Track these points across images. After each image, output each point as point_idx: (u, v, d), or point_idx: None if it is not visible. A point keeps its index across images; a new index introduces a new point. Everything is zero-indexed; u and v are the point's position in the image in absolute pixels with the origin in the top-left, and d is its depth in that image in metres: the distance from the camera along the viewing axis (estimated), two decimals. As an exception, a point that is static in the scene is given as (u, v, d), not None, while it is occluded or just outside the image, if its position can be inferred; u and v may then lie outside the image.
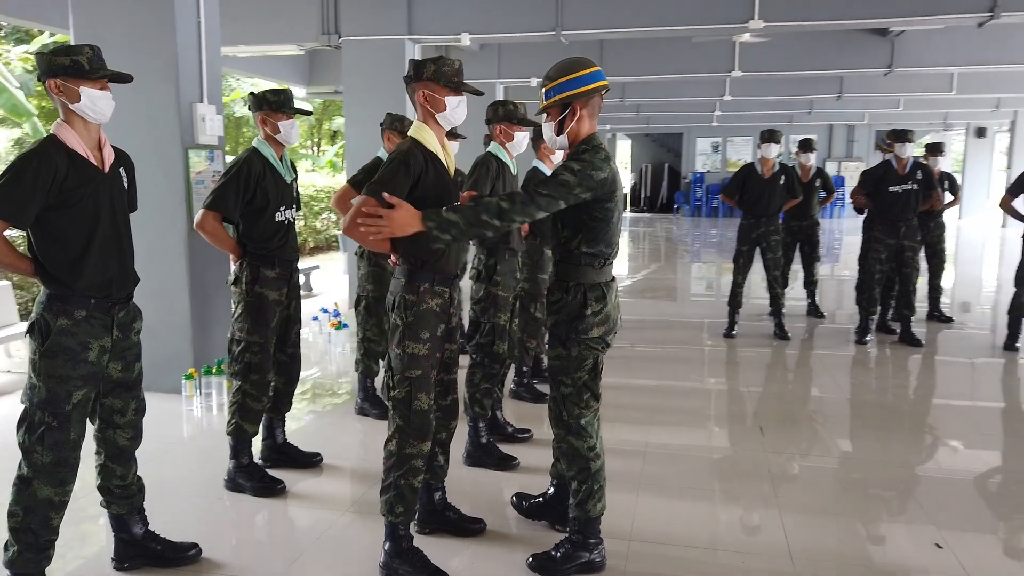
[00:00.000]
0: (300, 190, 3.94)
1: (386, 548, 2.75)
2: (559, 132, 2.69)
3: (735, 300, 6.78)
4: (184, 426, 4.56)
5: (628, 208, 26.46)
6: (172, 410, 4.72)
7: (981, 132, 22.79)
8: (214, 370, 4.79)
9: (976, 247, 15.53)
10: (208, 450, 4.18)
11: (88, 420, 2.59)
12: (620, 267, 12.95)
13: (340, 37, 8.17)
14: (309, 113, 3.66)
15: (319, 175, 17.93)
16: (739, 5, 7.37)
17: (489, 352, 3.77)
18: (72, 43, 2.61)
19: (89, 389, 2.49)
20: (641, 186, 26.87)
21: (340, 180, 19.12)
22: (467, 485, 3.55)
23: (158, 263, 4.88)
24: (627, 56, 10.99)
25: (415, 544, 2.79)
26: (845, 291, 10.06)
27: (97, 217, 2.46)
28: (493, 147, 3.85)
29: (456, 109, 2.69)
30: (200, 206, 3.38)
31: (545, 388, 5.01)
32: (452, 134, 4.42)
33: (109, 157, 2.54)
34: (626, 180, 28.37)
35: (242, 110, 18.70)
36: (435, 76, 2.64)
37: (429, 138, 2.68)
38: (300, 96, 13.59)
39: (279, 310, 3.48)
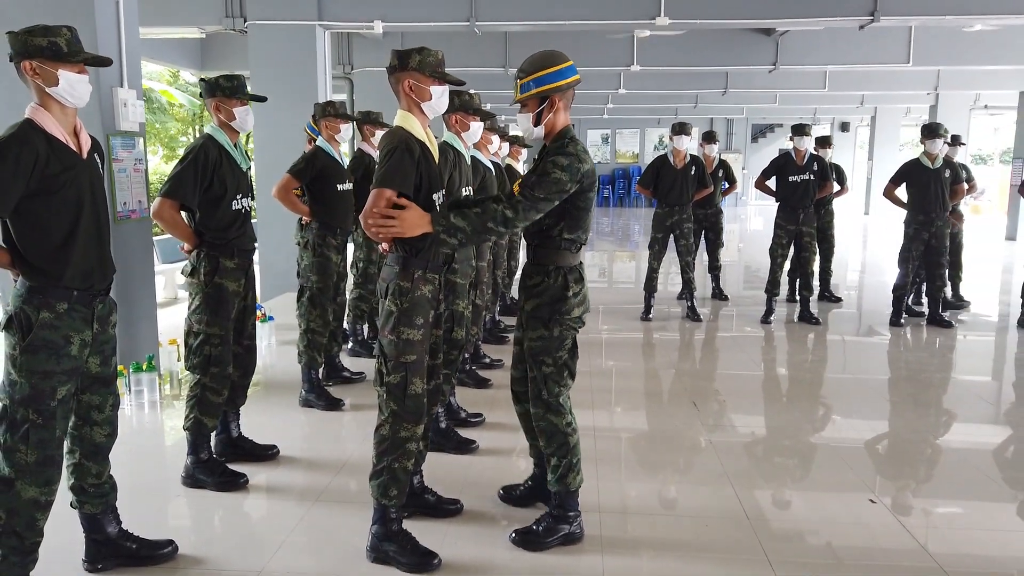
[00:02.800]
0: None
1: (374, 531, 2.78)
2: (536, 124, 2.78)
3: (651, 285, 7.10)
4: (118, 425, 4.34)
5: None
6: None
7: (845, 126, 24.63)
8: (144, 367, 4.59)
9: (844, 233, 16.80)
10: (147, 449, 4.04)
11: (63, 417, 2.47)
12: (519, 256, 13.16)
13: (245, 21, 7.91)
14: (263, 99, 3.58)
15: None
16: (646, 2, 7.70)
17: (448, 339, 3.81)
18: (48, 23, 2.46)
19: (73, 383, 2.38)
20: (533, 176, 27.25)
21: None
22: (434, 469, 3.60)
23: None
24: (531, 47, 11.06)
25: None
26: (740, 275, 10.69)
27: (80, 205, 2.35)
28: (448, 136, 3.89)
29: (440, 99, 2.75)
30: (158, 194, 3.25)
31: (486, 374, 5.11)
32: (346, 116, 4.46)
33: (86, 143, 2.43)
34: (584, 166, 28.64)
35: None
36: (420, 66, 2.69)
37: (416, 127, 2.72)
38: (192, 81, 13.01)
39: (237, 300, 3.40)
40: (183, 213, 3.28)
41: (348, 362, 5.36)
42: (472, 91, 3.89)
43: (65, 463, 2.58)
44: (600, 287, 9.91)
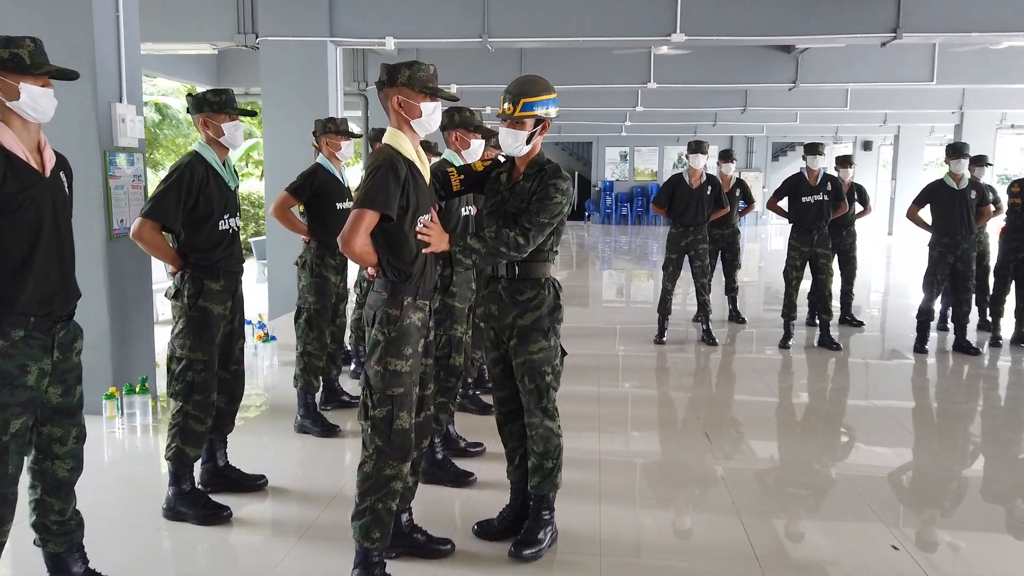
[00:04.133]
0: None
1: (356, 575, 2.61)
2: (528, 143, 2.86)
3: (665, 307, 6.90)
4: (106, 450, 4.22)
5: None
6: (92, 433, 4.29)
7: (867, 145, 24.29)
8: (137, 388, 4.46)
9: (867, 254, 16.47)
10: (136, 476, 3.89)
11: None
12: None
13: (257, 37, 7.86)
14: (253, 114, 3.45)
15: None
16: (661, 18, 7.55)
17: (445, 365, 3.65)
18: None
19: (29, 416, 2.24)
20: (551, 194, 27.12)
21: (253, 184, 18.44)
22: (427, 504, 3.42)
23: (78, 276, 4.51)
24: (546, 65, 11.05)
25: (387, 571, 2.65)
26: (760, 296, 10.45)
27: (39, 226, 2.22)
28: (448, 154, 3.75)
29: (431, 116, 2.62)
30: (138, 213, 3.12)
31: (490, 399, 4.93)
32: (424, 144, 4.30)
33: (50, 161, 2.30)
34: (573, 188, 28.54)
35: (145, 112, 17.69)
36: (410, 81, 2.56)
37: (405, 145, 2.58)
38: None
39: (223, 325, 3.26)
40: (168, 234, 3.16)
41: (349, 385, 5.20)
42: (473, 108, 3.75)
43: (27, 499, 2.43)
44: (616, 307, 9.71)
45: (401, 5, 7.70)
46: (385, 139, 2.60)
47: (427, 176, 2.69)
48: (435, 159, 4.33)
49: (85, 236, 4.47)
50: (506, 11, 7.62)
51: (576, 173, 26.67)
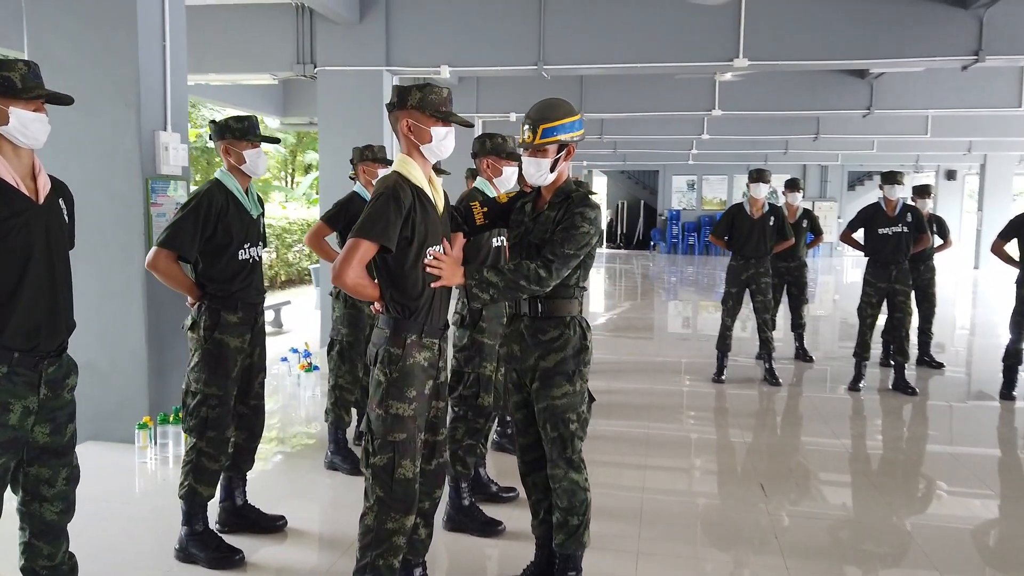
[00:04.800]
0: (273, 222, 3.64)
1: (359, 637, 2.40)
2: (552, 170, 2.67)
3: (724, 343, 6.53)
4: (136, 481, 4.16)
5: (604, 245, 26.41)
6: (123, 463, 4.32)
7: (951, 174, 23.17)
8: (171, 419, 4.40)
9: (950, 288, 15.57)
10: (162, 510, 3.78)
11: (11, 491, 2.22)
12: (596, 304, 12.73)
13: (315, 67, 7.93)
14: (276, 141, 3.35)
15: (292, 207, 17.57)
16: (723, 43, 7.27)
17: (473, 405, 3.45)
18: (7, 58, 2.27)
19: (9, 457, 2.12)
20: (617, 223, 26.88)
21: (315, 213, 18.79)
22: (448, 555, 3.20)
23: (112, 301, 4.51)
24: (607, 92, 10.89)
25: (392, 632, 2.44)
26: (832, 333, 9.90)
27: (28, 255, 2.12)
28: (479, 182, 3.57)
29: (443, 141, 2.45)
30: (155, 242, 3.04)
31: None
32: (436, 169, 4.16)
33: (45, 187, 2.21)
34: (602, 217, 28.31)
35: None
36: (420, 104, 2.40)
37: (414, 171, 2.42)
38: (274, 127, 13.31)
39: (241, 358, 3.13)
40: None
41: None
42: (505, 134, 3.57)
43: (17, 541, 2.32)
44: (676, 341, 9.33)
45: (457, 33, 7.65)
46: (394, 165, 2.44)
47: (440, 204, 2.51)
48: (436, 178, 4.17)
49: (124, 264, 4.50)
50: (562, 38, 7.47)
51: (642, 202, 26.33)
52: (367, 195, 4.26)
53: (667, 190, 24.32)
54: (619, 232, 26.73)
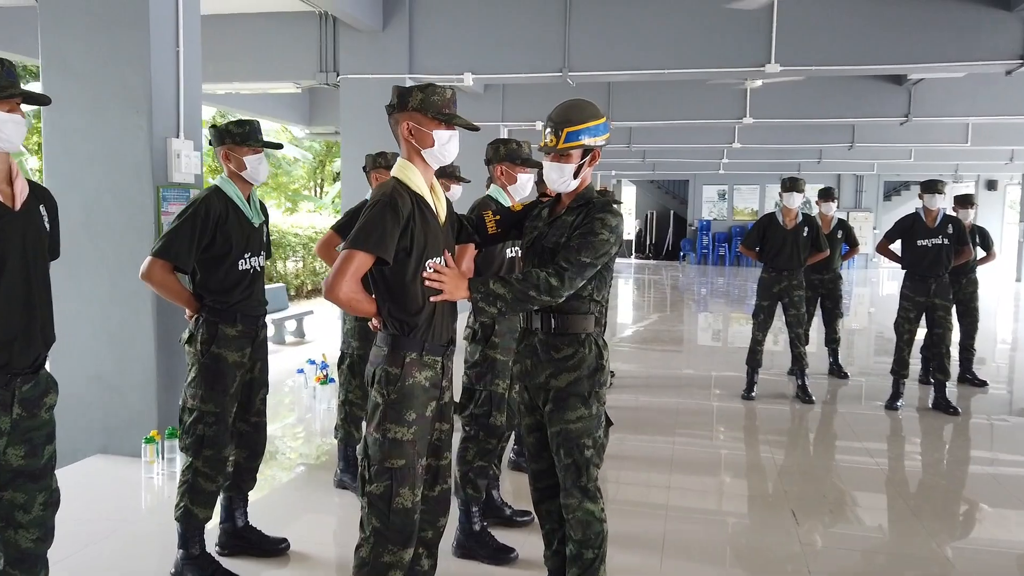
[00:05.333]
0: (300, 231, 3.49)
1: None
2: (576, 176, 2.49)
3: (754, 359, 6.28)
4: (143, 496, 4.05)
5: (633, 255, 26.14)
6: (130, 477, 4.21)
7: (992, 184, 22.53)
8: (179, 433, 4.27)
9: (991, 302, 15.05)
10: (165, 528, 3.62)
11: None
12: (625, 315, 12.48)
13: (338, 75, 7.85)
14: (279, 147, 3.22)
15: (320, 216, 17.58)
16: (755, 48, 7.03)
17: (485, 424, 3.27)
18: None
19: (-23, 482, 1.99)
20: (646, 233, 26.58)
21: (339, 222, 18.78)
22: (456, 584, 3.02)
23: (120, 310, 4.42)
24: (635, 100, 10.70)
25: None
26: (868, 348, 9.57)
27: (2, 264, 2.00)
28: (493, 190, 3.40)
29: (446, 145, 2.28)
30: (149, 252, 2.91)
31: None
32: (454, 176, 4.02)
33: (22, 193, 2.09)
34: (630, 227, 28.09)
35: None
36: (422, 106, 2.24)
37: (415, 177, 2.26)
38: (301, 136, 13.31)
39: (240, 373, 2.99)
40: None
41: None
42: (521, 140, 3.40)
43: (-9, 568, 2.19)
44: (706, 354, 9.05)
45: (480, 41, 7.52)
46: (394, 171, 2.29)
47: (442, 213, 2.35)
48: (456, 186, 4.03)
49: (134, 274, 4.29)
50: (588, 44, 7.30)
51: (672, 212, 25.99)
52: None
53: (697, 200, 23.98)
54: (648, 243, 26.41)
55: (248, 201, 3.04)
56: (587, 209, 2.46)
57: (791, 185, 6.14)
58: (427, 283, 2.24)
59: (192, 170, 4.59)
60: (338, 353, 4.22)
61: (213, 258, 2.90)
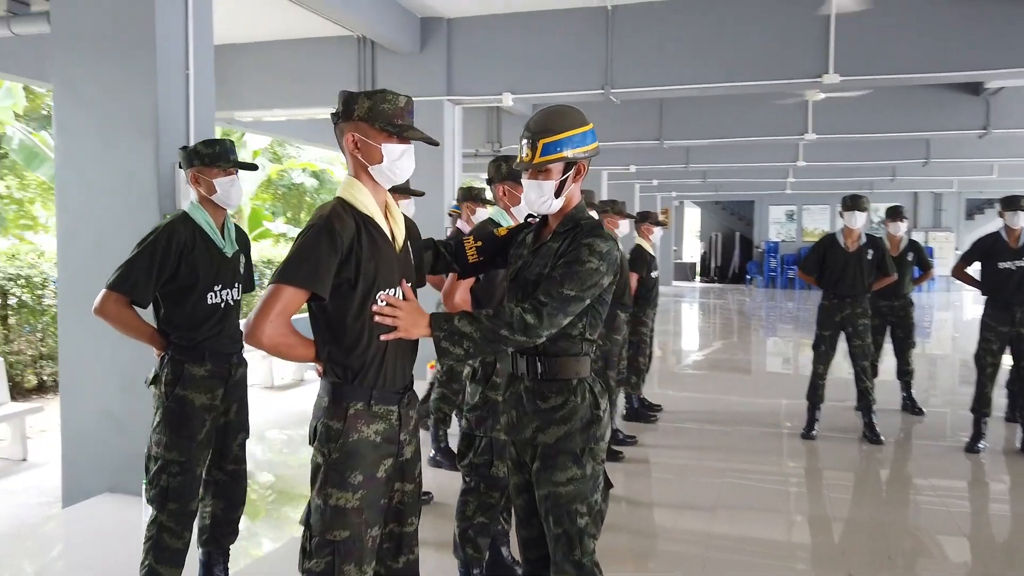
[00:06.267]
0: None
1: None
2: (558, 194, 2.14)
3: (815, 394, 5.73)
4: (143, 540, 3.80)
5: (697, 278, 25.39)
6: (134, 520, 3.98)
7: (1087, 200, 20.97)
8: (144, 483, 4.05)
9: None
10: None
11: None
12: (688, 342, 11.91)
13: (376, 99, 7.69)
14: (253, 168, 2.97)
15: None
16: (810, 58, 6.55)
17: (486, 475, 2.91)
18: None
19: None
20: (711, 256, 25.78)
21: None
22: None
23: (129, 346, 4.15)
24: (689, 118, 10.26)
25: None
26: (946, 381, 8.80)
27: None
28: (495, 212, 3.08)
29: (397, 161, 1.97)
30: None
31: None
32: (404, 189, 3.83)
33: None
34: (695, 249, 27.36)
35: (302, 178, 18.68)
36: (369, 115, 1.93)
37: (362, 197, 1.95)
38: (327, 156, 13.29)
39: (212, 417, 2.72)
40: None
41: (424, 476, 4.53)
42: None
43: None
44: (767, 386, 8.44)
45: (519, 59, 7.26)
46: (339, 190, 1.98)
47: (399, 237, 2.03)
48: (484, 210, 3.77)
49: None
50: (631, 59, 6.94)
51: (737, 233, 25.16)
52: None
53: (764, 221, 23.15)
54: (713, 266, 25.61)
55: (222, 228, 2.79)
56: (574, 234, 2.11)
57: (852, 203, 5.61)
58: (378, 319, 1.92)
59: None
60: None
61: (178, 290, 2.65)
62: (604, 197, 10.80)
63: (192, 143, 4.34)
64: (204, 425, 2.69)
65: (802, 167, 13.65)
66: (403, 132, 1.93)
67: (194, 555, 2.96)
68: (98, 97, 4.23)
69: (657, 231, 6.22)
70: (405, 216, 2.12)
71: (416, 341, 2.03)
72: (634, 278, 5.80)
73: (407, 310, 1.95)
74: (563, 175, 2.12)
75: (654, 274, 6.09)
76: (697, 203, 26.11)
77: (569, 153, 2.10)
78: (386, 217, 2.01)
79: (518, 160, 2.18)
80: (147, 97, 4.14)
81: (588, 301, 2.06)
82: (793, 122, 9.97)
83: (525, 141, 2.13)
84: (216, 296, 2.72)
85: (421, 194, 3.99)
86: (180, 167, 2.82)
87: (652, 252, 6.09)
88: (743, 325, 14.46)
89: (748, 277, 23.51)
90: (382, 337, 1.92)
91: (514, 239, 2.35)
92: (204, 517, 2.89)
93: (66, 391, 4.38)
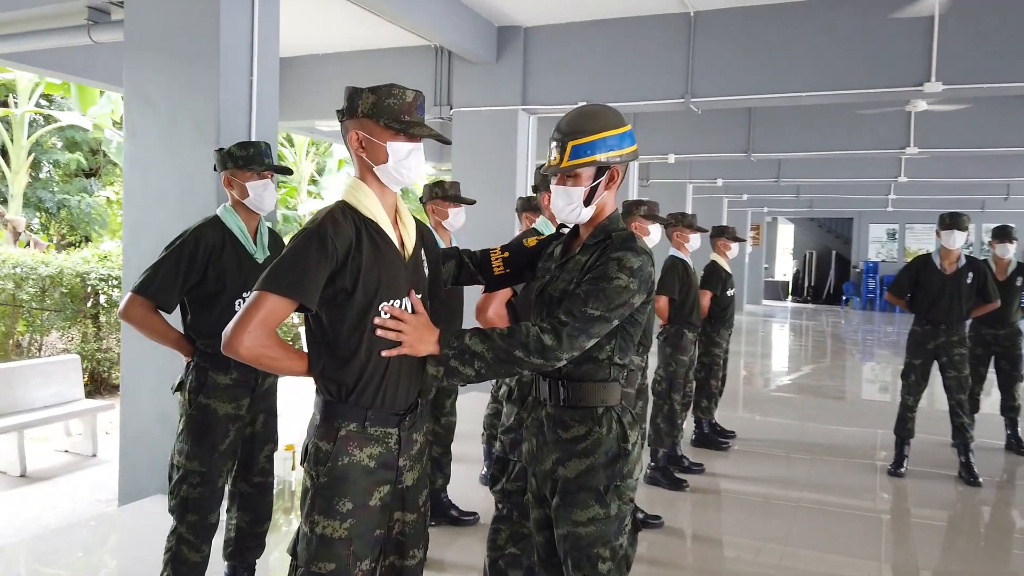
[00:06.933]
0: None
1: None
2: (588, 202, 1.95)
3: (904, 428, 5.26)
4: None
5: (789, 298, 24.38)
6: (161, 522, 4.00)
7: None
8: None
9: None
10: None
11: None
12: (777, 363, 11.35)
13: (452, 108, 7.66)
14: (288, 172, 2.89)
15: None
16: (910, 64, 6.08)
17: (519, 503, 2.72)
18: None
19: None
20: (804, 274, 24.70)
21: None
22: None
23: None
24: (780, 130, 9.79)
25: None
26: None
27: None
28: (541, 222, 2.91)
29: (405, 161, 1.82)
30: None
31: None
32: (462, 199, 3.66)
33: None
34: (787, 266, 26.30)
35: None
36: (373, 111, 1.79)
37: (366, 200, 1.81)
38: (430, 174, 13.38)
39: (236, 428, 2.64)
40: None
41: (472, 495, 4.38)
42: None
43: None
44: (857, 414, 7.87)
45: (596, 68, 7.08)
46: (343, 192, 1.84)
47: (409, 244, 1.88)
48: (455, 208, 3.62)
49: None
50: (714, 67, 6.64)
51: (833, 252, 24.02)
52: (437, 239, 3.70)
53: (863, 239, 22.00)
54: (806, 285, 24.53)
55: (255, 234, 2.72)
56: (603, 247, 1.91)
57: (951, 222, 5.13)
58: (380, 332, 1.77)
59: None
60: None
61: (205, 296, 2.59)
62: (689, 212, 10.43)
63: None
64: (227, 435, 2.62)
65: (904, 183, 12.86)
66: (409, 129, 1.79)
67: (219, 566, 2.90)
68: (163, 102, 4.29)
69: (735, 247, 5.87)
70: (419, 222, 1.97)
71: (425, 357, 1.88)
72: (706, 296, 5.49)
73: (414, 324, 1.80)
74: (594, 181, 1.93)
75: (730, 292, 5.75)
76: (790, 219, 25.10)
77: (602, 157, 1.91)
78: (395, 222, 1.87)
79: (547, 164, 2.00)
80: (209, 103, 4.18)
81: (616, 322, 1.86)
82: (893, 135, 9.36)
83: (554, 143, 1.95)
84: (244, 303, 2.64)
85: (472, 202, 3.84)
86: (215, 169, 2.77)
87: (728, 269, 5.75)
88: (837, 348, 13.70)
89: (844, 298, 22.39)
90: (384, 353, 1.78)
91: (544, 250, 2.17)
92: (229, 530, 2.83)
93: (127, 392, 4.46)
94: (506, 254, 2.16)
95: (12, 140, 13.51)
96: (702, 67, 6.69)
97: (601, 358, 1.92)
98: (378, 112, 1.78)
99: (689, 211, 7.48)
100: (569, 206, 1.95)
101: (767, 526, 4.26)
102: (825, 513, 4.52)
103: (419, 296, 1.87)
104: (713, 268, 5.68)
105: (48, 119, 14.97)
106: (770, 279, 24.01)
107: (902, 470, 5.25)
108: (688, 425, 5.65)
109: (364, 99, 1.79)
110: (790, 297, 24.51)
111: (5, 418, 5.02)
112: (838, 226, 24.02)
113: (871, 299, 21.35)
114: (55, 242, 15.58)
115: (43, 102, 15.28)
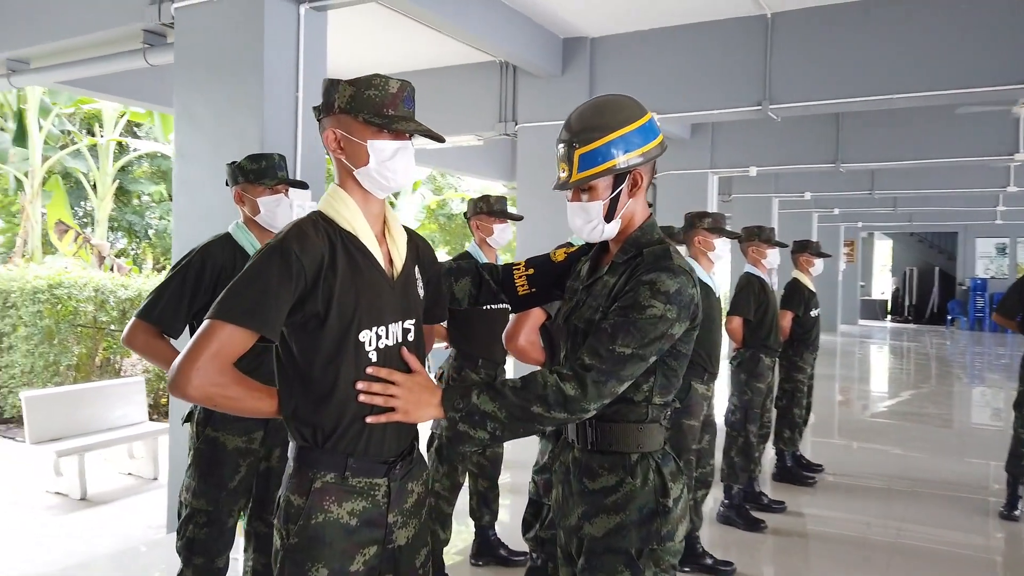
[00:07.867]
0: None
1: None
2: (610, 217, 1.64)
3: (1017, 465, 4.65)
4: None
5: (888, 317, 23.03)
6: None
7: None
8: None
9: None
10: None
11: None
12: (876, 386, 10.57)
13: (516, 124, 7.47)
14: (304, 186, 2.69)
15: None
16: (1013, 60, 5.48)
17: (553, 553, 2.41)
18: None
19: None
20: (904, 293, 23.28)
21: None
22: None
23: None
24: (872, 137, 9.16)
25: None
26: None
27: None
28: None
29: (390, 162, 1.55)
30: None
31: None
32: (509, 215, 3.37)
33: None
34: (886, 284, 24.90)
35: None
36: (351, 106, 1.53)
37: (344, 211, 1.56)
38: (501, 192, 13.22)
39: (247, 463, 2.44)
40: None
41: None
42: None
43: None
44: (963, 446, 7.14)
45: (666, 78, 6.74)
46: (320, 201, 1.60)
47: (398, 261, 1.61)
48: (500, 224, 3.31)
49: None
50: (792, 71, 6.20)
51: (937, 268, 22.55)
52: (480, 255, 3.47)
53: (969, 255, 20.55)
54: (907, 304, 23.10)
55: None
56: (634, 265, 1.60)
57: (1070, 231, 4.53)
58: (363, 398, 1.51)
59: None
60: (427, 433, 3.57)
61: (213, 320, 2.41)
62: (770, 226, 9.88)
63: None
64: (238, 471, 2.42)
65: (1014, 193, 11.85)
66: (393, 124, 1.51)
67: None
68: (210, 122, 4.24)
69: (819, 263, 5.40)
70: (415, 235, 1.72)
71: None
72: (787, 317, 5.05)
73: (408, 386, 1.53)
74: (613, 191, 1.63)
75: (814, 312, 5.28)
76: (888, 234, 23.75)
77: (620, 161, 1.60)
78: (382, 236, 1.61)
79: (557, 180, 1.71)
80: (254, 121, 4.09)
81: (653, 358, 1.54)
82: (1000, 141, 8.61)
83: (561, 147, 1.66)
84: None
85: (519, 218, 3.58)
86: (226, 184, 2.61)
87: (811, 287, 5.28)
88: (942, 372, 12.70)
89: (949, 318, 20.93)
90: (369, 420, 1.51)
91: (573, 267, 1.87)
92: (246, 572, 2.63)
93: (174, 417, 4.38)
94: (531, 271, 1.88)
95: (99, 168, 14.13)
96: (780, 71, 6.25)
97: (638, 399, 1.61)
98: (357, 106, 1.52)
99: (775, 226, 7.00)
100: (588, 224, 1.66)
101: (857, 574, 3.78)
102: (926, 559, 3.99)
103: (411, 323, 1.61)
104: (795, 286, 5.22)
105: (124, 147, 15.49)
106: (867, 298, 22.75)
107: (1016, 512, 4.63)
108: (768, 458, 5.19)
109: (341, 92, 1.53)
110: (889, 317, 23.14)
111: (67, 440, 5.07)
112: (941, 241, 22.56)
113: (979, 318, 19.87)
114: (152, 267, 16.21)
115: (127, 131, 15.95)
